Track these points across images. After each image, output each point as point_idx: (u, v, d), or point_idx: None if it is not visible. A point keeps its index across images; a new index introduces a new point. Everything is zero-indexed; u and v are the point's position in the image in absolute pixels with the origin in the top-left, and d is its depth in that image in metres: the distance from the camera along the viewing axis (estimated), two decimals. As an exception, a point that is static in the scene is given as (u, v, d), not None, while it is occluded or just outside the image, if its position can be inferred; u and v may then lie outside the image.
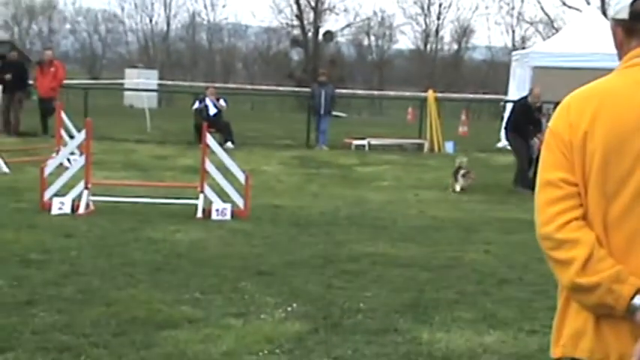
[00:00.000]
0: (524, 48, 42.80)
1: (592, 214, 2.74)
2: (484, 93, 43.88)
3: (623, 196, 2.70)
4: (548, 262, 2.80)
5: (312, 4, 57.64)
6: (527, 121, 15.74)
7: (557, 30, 43.18)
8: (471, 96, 42.07)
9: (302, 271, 8.63)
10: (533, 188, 2.91)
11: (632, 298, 2.66)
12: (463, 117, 31.76)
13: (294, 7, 58.01)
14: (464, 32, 62.09)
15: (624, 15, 2.82)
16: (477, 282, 8.39)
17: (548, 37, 39.03)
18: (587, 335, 2.77)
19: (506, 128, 16.54)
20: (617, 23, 2.86)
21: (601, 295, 2.68)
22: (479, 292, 8.01)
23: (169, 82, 45.06)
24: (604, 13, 30.91)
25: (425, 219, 12.41)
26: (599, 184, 2.71)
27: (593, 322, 2.75)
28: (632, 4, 2.80)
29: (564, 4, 56.86)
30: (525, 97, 16.33)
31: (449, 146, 23.53)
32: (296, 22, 58.62)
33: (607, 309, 2.70)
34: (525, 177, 15.33)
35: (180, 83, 45.43)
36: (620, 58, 2.86)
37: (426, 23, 60.74)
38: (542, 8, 59.61)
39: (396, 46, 65.11)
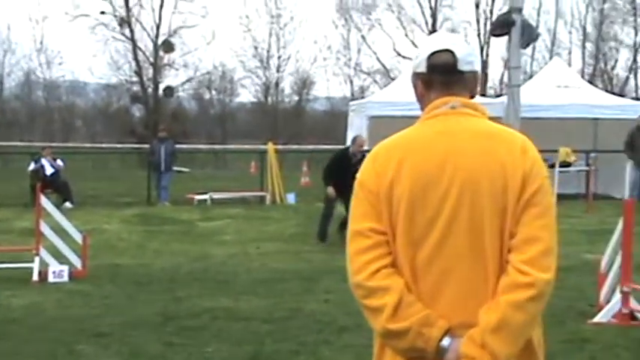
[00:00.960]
0: (363, 98, 43.70)
1: (401, 260, 2.84)
2: (325, 143, 44.48)
3: (429, 241, 2.81)
4: (362, 309, 2.88)
5: (151, 60, 57.31)
6: (343, 171, 14.38)
7: (393, 79, 44.33)
8: (312, 147, 42.53)
9: (141, 330, 8.51)
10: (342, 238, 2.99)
11: (441, 339, 2.77)
12: (305, 168, 32.09)
13: (133, 63, 57.50)
14: (304, 84, 62.89)
15: (423, 69, 2.96)
16: (317, 331, 8.46)
17: (385, 86, 40.02)
18: (401, 379, 2.85)
19: (324, 178, 15.71)
20: (417, 76, 3.01)
21: (412, 339, 2.78)
22: (319, 341, 8.08)
23: (4, 143, 43.80)
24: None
25: (267, 271, 12.45)
26: (406, 231, 2.82)
27: (406, 366, 2.84)
28: (429, 58, 2.94)
29: (399, 54, 58.41)
30: (348, 148, 15.91)
31: (290, 197, 23.70)
32: (135, 79, 58.10)
33: (419, 352, 2.80)
34: (324, 227, 15.45)
35: (17, 144, 44.24)
36: (422, 109, 3.00)
37: (265, 76, 61.23)
38: (378, 59, 60.92)
39: (238, 100, 65.37)
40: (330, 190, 15.34)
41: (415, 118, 3.04)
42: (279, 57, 60.68)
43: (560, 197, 20.48)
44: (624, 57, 57.44)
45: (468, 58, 2.95)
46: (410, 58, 52.83)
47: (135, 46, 56.79)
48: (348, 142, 25.61)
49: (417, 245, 2.82)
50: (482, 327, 2.73)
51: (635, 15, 55.69)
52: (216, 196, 23.76)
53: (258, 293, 10.58)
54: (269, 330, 8.53)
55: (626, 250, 8.93)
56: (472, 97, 2.98)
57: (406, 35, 58.88)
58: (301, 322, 8.88)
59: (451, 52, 2.92)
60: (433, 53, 2.94)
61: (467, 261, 2.79)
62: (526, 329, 2.77)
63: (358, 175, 2.94)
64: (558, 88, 24.21)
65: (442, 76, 2.93)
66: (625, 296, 8.83)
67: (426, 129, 2.92)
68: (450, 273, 2.80)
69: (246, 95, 64.28)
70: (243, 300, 10.13)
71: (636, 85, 57.04)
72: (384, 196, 2.84)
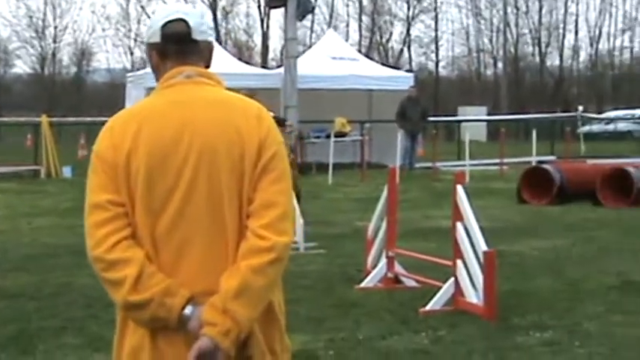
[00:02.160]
0: (144, 69, 43.09)
1: (141, 231, 2.82)
2: (105, 115, 43.60)
3: (169, 211, 2.81)
4: (102, 283, 2.85)
5: None
6: None
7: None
8: (88, 119, 41.53)
9: None
10: None
11: (184, 308, 2.78)
12: (82, 141, 31.32)
13: None
14: (82, 55, 61.34)
15: (157, 39, 2.95)
16: (86, 306, 8.32)
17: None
18: (144, 351, 2.84)
19: None
20: (151, 47, 2.98)
21: (154, 310, 2.77)
22: (87, 316, 7.95)
23: None
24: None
25: (38, 247, 12.12)
26: (146, 202, 2.80)
27: (149, 337, 2.84)
28: (162, 28, 2.93)
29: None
30: None
31: (67, 171, 23.14)
32: None
33: (161, 322, 2.79)
34: None
35: None
36: (157, 79, 2.98)
37: (41, 46, 59.25)
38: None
39: (13, 71, 62.97)
40: None
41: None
42: (55, 27, 58.94)
43: (336, 167, 21.03)
44: (398, 30, 59.45)
45: (202, 28, 2.95)
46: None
47: None
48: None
49: (156, 215, 2.81)
50: (223, 293, 2.75)
51: (408, -11, 57.60)
52: (-13, 170, 22.87)
53: (28, 269, 10.29)
54: (36, 307, 8.32)
55: (391, 217, 9.25)
56: (207, 66, 2.99)
57: (187, 6, 58.41)
58: (70, 298, 8.71)
59: (185, 21, 2.92)
60: (167, 23, 2.92)
61: (207, 229, 2.81)
62: (267, 293, 2.82)
63: (94, 147, 2.89)
64: (334, 59, 24.71)
65: (177, 46, 2.92)
66: (390, 261, 9.15)
67: (162, 99, 2.91)
68: (191, 242, 2.81)
69: (22, 66, 62.03)
70: (10, 277, 9.82)
71: (410, 57, 59.12)
72: (121, 168, 2.81)
